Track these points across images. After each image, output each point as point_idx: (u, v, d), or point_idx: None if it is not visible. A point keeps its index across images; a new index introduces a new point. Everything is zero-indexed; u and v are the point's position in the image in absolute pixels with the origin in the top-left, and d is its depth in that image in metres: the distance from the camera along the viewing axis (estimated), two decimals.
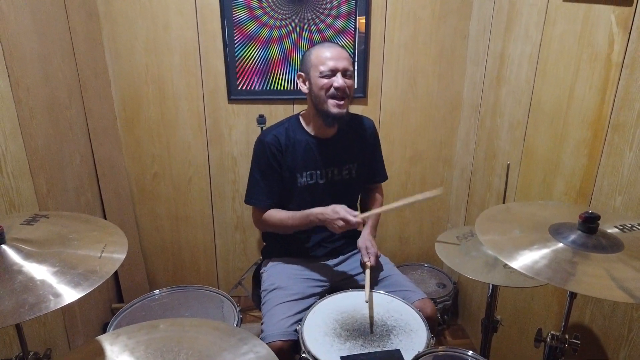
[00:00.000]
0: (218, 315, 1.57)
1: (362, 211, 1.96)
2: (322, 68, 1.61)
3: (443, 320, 2.40)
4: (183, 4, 2.15)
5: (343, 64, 1.62)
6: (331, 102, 1.62)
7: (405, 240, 2.69)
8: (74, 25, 2.01)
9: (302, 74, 1.70)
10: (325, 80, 1.61)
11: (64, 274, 0.99)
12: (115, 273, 2.36)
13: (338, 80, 1.60)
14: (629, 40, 1.34)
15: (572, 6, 1.57)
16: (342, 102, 1.63)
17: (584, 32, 1.52)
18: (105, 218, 2.29)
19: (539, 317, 1.81)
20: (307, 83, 1.68)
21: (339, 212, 1.56)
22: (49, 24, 1.85)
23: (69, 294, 0.95)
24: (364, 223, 1.61)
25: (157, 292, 1.65)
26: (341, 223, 1.56)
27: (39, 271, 0.99)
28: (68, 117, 1.99)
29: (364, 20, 2.25)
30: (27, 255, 1.02)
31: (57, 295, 0.94)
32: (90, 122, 2.15)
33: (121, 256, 1.11)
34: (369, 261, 1.69)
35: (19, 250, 1.03)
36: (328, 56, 1.61)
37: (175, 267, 2.57)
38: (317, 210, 1.62)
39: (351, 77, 1.65)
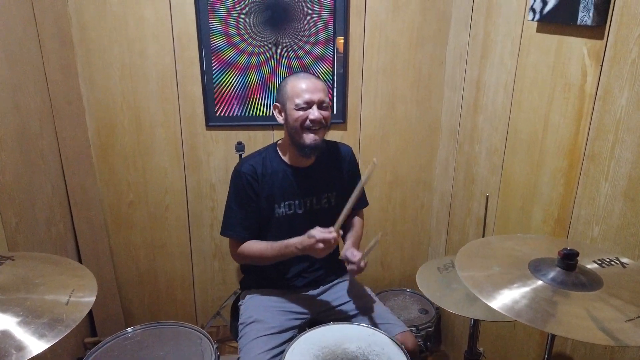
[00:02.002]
0: (195, 353, 1.52)
1: (343, 239, 1.93)
2: (297, 100, 1.59)
3: (426, 347, 2.37)
4: (160, 31, 2.13)
5: (319, 96, 1.60)
6: (306, 134, 1.61)
7: (387, 265, 2.67)
8: (47, 53, 1.97)
9: (277, 104, 1.68)
10: (300, 113, 1.59)
11: (28, 324, 0.94)
12: None
13: (314, 113, 1.59)
14: (601, 72, 1.36)
15: (546, 37, 1.59)
16: (317, 133, 1.61)
17: (558, 63, 1.54)
18: (77, 249, 2.22)
19: (521, 345, 1.80)
20: (282, 114, 1.66)
21: (315, 236, 1.52)
22: (21, 53, 1.81)
23: (34, 346, 0.91)
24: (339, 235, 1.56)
25: (130, 330, 1.58)
26: (321, 245, 1.51)
27: (1, 321, 0.94)
28: (39, 146, 1.93)
29: (342, 41, 2.25)
30: None
31: (19, 348, 0.89)
32: (63, 150, 2.10)
33: (90, 299, 1.07)
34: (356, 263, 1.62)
35: None
36: (304, 88, 1.59)
37: (152, 297, 2.50)
38: (294, 240, 1.58)
39: (327, 108, 1.63)
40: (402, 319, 2.32)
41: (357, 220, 1.92)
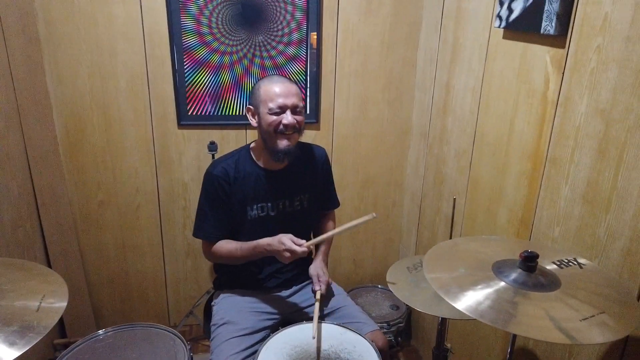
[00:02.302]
0: (168, 354, 1.52)
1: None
2: (270, 105, 1.59)
3: (397, 342, 2.43)
4: (130, 29, 2.10)
5: (292, 100, 1.60)
6: (280, 138, 1.61)
7: (359, 262, 2.72)
8: (12, 50, 1.91)
9: (251, 107, 1.68)
10: (274, 117, 1.59)
11: None
12: None
13: (287, 118, 1.59)
14: (562, 80, 1.42)
15: (511, 44, 1.65)
16: (290, 138, 1.62)
17: (522, 69, 1.60)
18: (46, 250, 2.18)
19: (487, 341, 1.87)
20: (256, 117, 1.66)
21: (284, 243, 1.53)
22: None
23: (4, 354, 0.90)
24: (310, 251, 1.61)
25: (102, 333, 1.57)
26: (288, 254, 1.53)
27: None
28: (5, 145, 1.89)
29: (315, 36, 2.26)
30: None
31: None
32: (30, 149, 2.05)
33: (62, 305, 1.06)
34: (320, 289, 1.70)
35: None
36: (277, 92, 1.59)
37: (123, 297, 2.47)
38: (264, 241, 1.60)
39: (301, 112, 1.64)
40: (374, 315, 2.37)
41: (329, 226, 1.95)
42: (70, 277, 2.26)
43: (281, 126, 1.60)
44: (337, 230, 1.58)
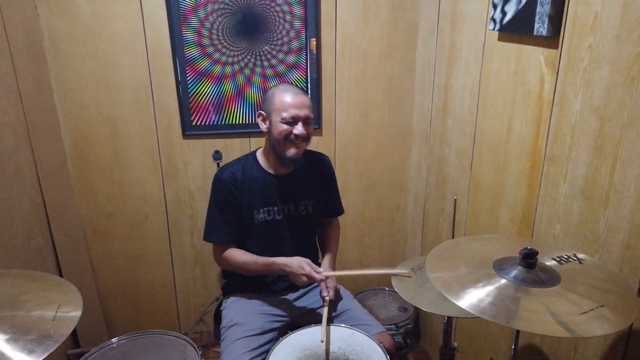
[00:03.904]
0: None
1: (320, 246, 1.99)
2: (284, 114, 1.65)
3: (406, 343, 2.45)
4: (133, 44, 2.15)
5: (305, 112, 1.66)
6: (289, 146, 1.67)
7: (366, 265, 2.74)
8: (19, 68, 1.97)
9: (262, 113, 1.73)
10: (285, 127, 1.65)
11: (17, 340, 0.97)
12: None
13: (299, 129, 1.65)
14: (557, 79, 1.45)
15: (506, 46, 1.68)
16: (299, 147, 1.68)
17: (518, 70, 1.63)
18: (57, 261, 2.23)
19: (494, 339, 1.89)
20: (267, 122, 1.71)
21: (304, 268, 1.61)
22: None
23: None
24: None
25: (115, 341, 1.60)
26: (305, 279, 1.62)
27: None
28: (15, 161, 1.94)
29: (315, 42, 2.29)
30: None
31: None
32: (39, 164, 2.10)
33: (77, 314, 1.10)
34: (328, 295, 1.73)
35: None
36: (290, 103, 1.65)
37: (134, 307, 2.51)
38: (281, 261, 1.66)
39: (311, 123, 1.70)
40: (382, 317, 2.39)
41: (333, 233, 1.98)
42: (81, 288, 2.27)
43: (292, 136, 1.66)
44: (361, 271, 1.68)
